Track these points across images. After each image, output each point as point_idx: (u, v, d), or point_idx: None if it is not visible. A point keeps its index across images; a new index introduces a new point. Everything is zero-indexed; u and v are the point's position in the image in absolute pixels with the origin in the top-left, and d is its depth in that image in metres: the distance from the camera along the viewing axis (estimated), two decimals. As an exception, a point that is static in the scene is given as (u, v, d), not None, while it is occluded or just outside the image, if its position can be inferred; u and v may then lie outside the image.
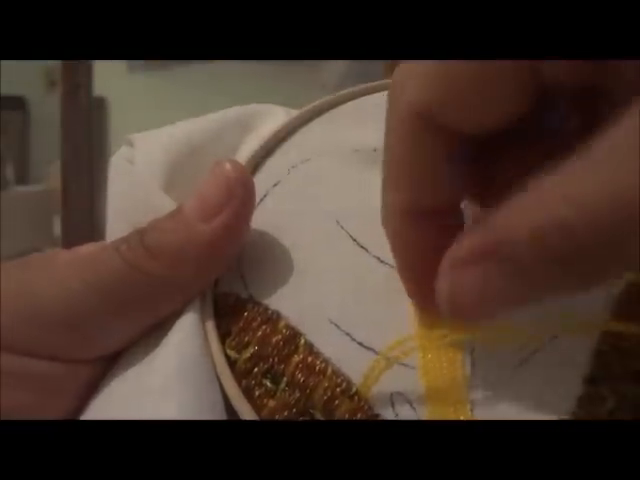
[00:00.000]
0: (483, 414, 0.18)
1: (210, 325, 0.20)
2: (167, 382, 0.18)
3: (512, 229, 0.13)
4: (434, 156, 0.16)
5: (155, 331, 0.20)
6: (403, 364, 0.18)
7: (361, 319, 0.19)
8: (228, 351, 0.19)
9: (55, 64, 1.25)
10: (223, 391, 0.19)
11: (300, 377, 0.19)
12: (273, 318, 0.19)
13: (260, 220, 0.21)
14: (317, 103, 0.24)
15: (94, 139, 0.98)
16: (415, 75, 0.16)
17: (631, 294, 0.18)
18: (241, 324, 0.20)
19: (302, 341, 0.19)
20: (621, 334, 0.18)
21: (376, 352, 0.19)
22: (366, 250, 0.20)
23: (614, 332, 0.18)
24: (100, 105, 1.57)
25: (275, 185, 0.22)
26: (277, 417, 0.18)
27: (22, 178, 1.80)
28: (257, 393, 0.19)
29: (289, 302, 0.20)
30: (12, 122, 1.80)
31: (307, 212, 0.21)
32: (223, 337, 0.20)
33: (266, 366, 0.19)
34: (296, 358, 0.19)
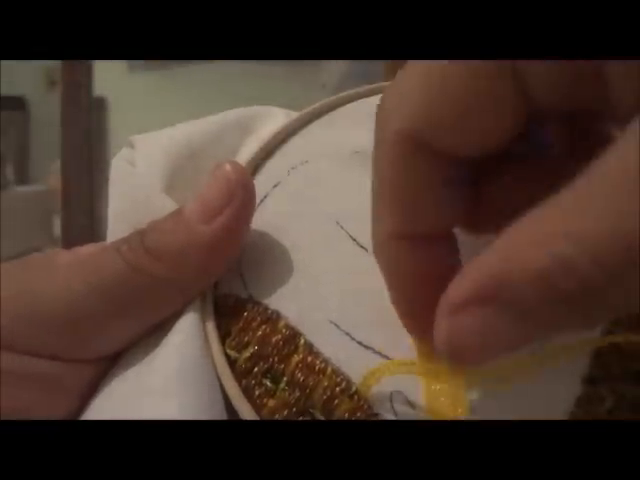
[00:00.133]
0: (482, 414, 0.18)
1: (210, 325, 0.20)
2: (168, 382, 0.18)
3: (513, 272, 0.13)
4: (424, 180, 0.16)
5: (156, 331, 0.20)
6: (403, 363, 0.18)
7: (361, 319, 0.19)
8: (228, 351, 0.19)
9: (55, 64, 1.25)
10: (223, 391, 0.19)
11: (300, 376, 0.19)
12: (273, 318, 0.20)
13: (260, 221, 0.21)
14: (317, 105, 0.24)
15: (94, 139, 0.98)
16: (403, 98, 0.15)
17: None
18: (241, 324, 0.20)
19: (302, 341, 0.19)
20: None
21: (375, 351, 0.19)
22: (366, 250, 0.20)
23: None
24: (100, 105, 1.57)
25: (275, 186, 0.22)
26: (277, 416, 0.18)
27: (22, 178, 1.81)
28: (257, 393, 0.19)
29: (289, 302, 0.20)
30: (12, 122, 1.80)
31: (307, 213, 0.21)
32: (223, 337, 0.20)
33: (266, 366, 0.19)
34: (296, 358, 0.19)
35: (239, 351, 0.19)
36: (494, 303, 0.13)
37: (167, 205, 0.21)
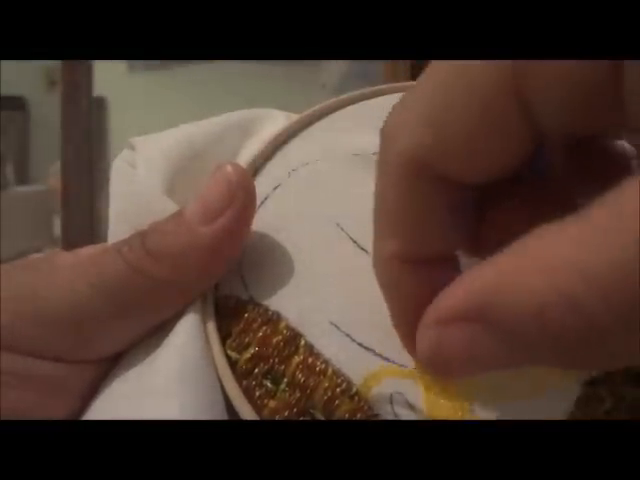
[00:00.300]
0: (482, 414, 0.18)
1: (211, 326, 0.20)
2: (168, 383, 0.18)
3: (512, 297, 0.12)
4: (428, 204, 0.16)
5: (157, 332, 0.20)
6: (403, 365, 0.18)
7: (361, 320, 0.19)
8: (229, 352, 0.19)
9: (55, 64, 1.25)
10: (224, 392, 0.19)
11: (300, 377, 0.19)
12: (273, 319, 0.20)
13: (261, 223, 0.21)
14: (317, 107, 0.24)
15: (94, 139, 0.98)
16: (409, 121, 0.15)
17: None
18: (242, 325, 0.20)
19: (302, 342, 0.19)
20: None
21: (376, 353, 0.19)
22: (366, 252, 0.20)
23: None
24: (100, 105, 1.57)
25: (276, 188, 0.22)
26: (277, 417, 0.18)
27: (22, 178, 1.81)
28: (258, 393, 0.19)
29: (289, 303, 0.20)
30: (12, 122, 1.80)
31: (307, 215, 0.21)
32: (224, 338, 0.20)
33: (266, 367, 0.19)
34: (296, 359, 0.19)
35: (240, 352, 0.19)
36: (485, 322, 0.13)
37: (168, 207, 0.21)
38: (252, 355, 0.19)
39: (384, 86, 0.25)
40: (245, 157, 0.23)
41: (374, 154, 0.22)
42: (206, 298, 0.20)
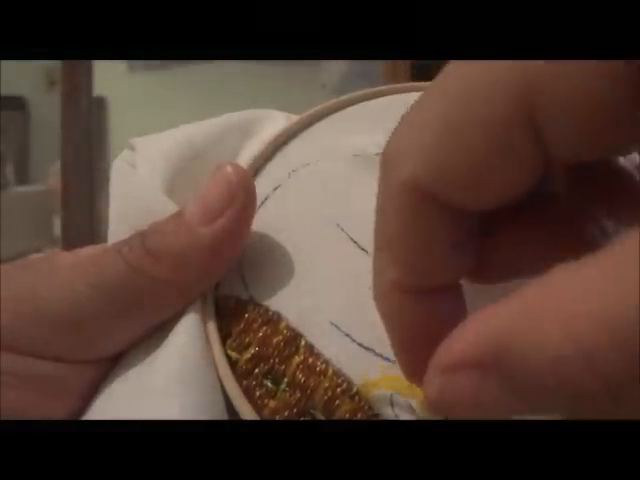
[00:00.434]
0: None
1: (211, 327, 0.20)
2: (169, 383, 0.18)
3: (525, 346, 0.11)
4: (431, 233, 0.15)
5: (157, 332, 0.20)
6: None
7: (361, 320, 0.19)
8: (229, 352, 0.19)
9: (55, 64, 1.25)
10: (224, 392, 0.19)
11: (301, 377, 0.19)
12: (274, 319, 0.20)
13: (261, 223, 0.21)
14: (317, 108, 0.24)
15: (94, 139, 0.98)
16: (413, 147, 0.14)
17: None
18: (242, 325, 0.20)
19: (303, 342, 0.19)
20: None
21: (376, 353, 0.19)
22: (366, 252, 0.20)
23: None
24: (100, 105, 1.57)
25: (276, 189, 0.22)
26: (278, 417, 0.18)
27: (22, 178, 1.81)
28: (258, 393, 0.19)
29: (290, 303, 0.20)
30: (12, 122, 1.80)
31: (308, 215, 0.21)
32: (224, 338, 0.20)
33: (267, 367, 0.19)
34: (297, 359, 0.19)
35: (240, 352, 0.19)
36: (497, 373, 0.12)
37: (168, 207, 0.21)
38: (252, 355, 0.19)
39: (384, 87, 0.25)
40: (245, 158, 0.23)
41: (374, 155, 0.22)
42: (206, 298, 0.20)
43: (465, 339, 0.13)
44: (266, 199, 0.22)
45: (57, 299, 0.19)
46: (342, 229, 0.21)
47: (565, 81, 0.12)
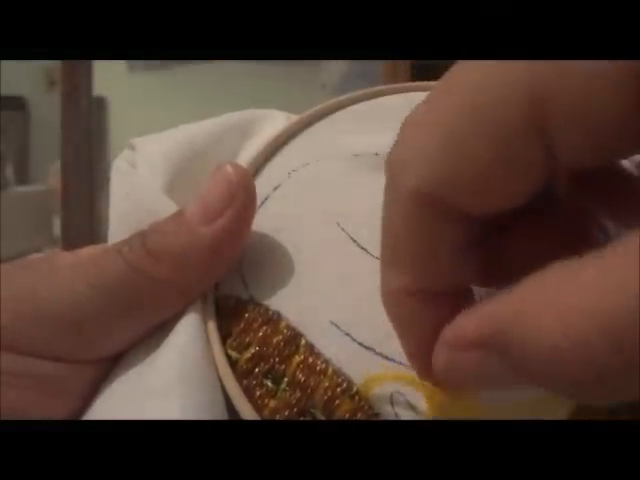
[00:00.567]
0: (482, 414, 0.18)
1: (211, 326, 0.20)
2: (169, 383, 0.18)
3: (525, 333, 0.12)
4: (438, 238, 0.15)
5: (157, 332, 0.20)
6: (403, 364, 0.18)
7: (361, 320, 0.19)
8: (229, 352, 0.19)
9: (55, 64, 1.25)
10: (224, 391, 0.19)
11: (301, 377, 0.19)
12: (274, 319, 0.20)
13: (261, 223, 0.21)
14: (317, 108, 0.24)
15: (94, 139, 0.98)
16: (420, 153, 0.14)
17: None
18: (242, 325, 0.20)
19: (303, 341, 0.19)
20: None
21: (376, 352, 0.19)
22: (366, 251, 0.20)
23: None
24: (100, 105, 1.57)
25: (276, 189, 0.22)
26: (278, 417, 0.18)
27: (22, 178, 1.81)
28: (258, 393, 0.19)
29: (290, 303, 0.20)
30: (12, 122, 1.80)
31: (308, 215, 0.21)
32: (224, 338, 0.20)
33: (267, 366, 0.19)
34: (297, 358, 0.19)
35: (240, 352, 0.19)
36: (499, 353, 0.13)
37: (168, 207, 0.21)
38: (252, 355, 0.19)
39: (384, 87, 0.25)
40: (245, 158, 0.23)
41: (376, 154, 0.22)
42: (207, 298, 0.20)
43: (471, 321, 0.13)
44: (266, 199, 0.22)
45: (57, 299, 0.19)
46: (342, 228, 0.21)
47: (574, 89, 0.12)
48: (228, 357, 0.19)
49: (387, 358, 0.19)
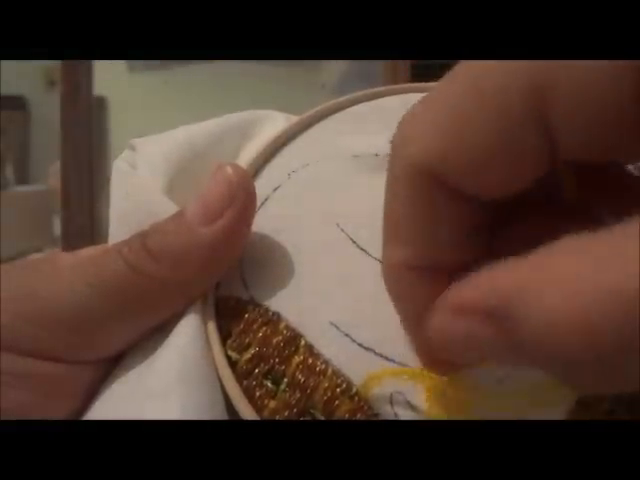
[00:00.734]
0: (483, 414, 0.18)
1: (211, 327, 0.20)
2: (169, 383, 0.18)
3: (527, 303, 0.12)
4: (438, 214, 0.15)
5: (157, 333, 0.20)
6: (403, 364, 0.18)
7: (361, 320, 0.19)
8: (229, 352, 0.19)
9: (55, 64, 1.25)
10: (224, 392, 0.19)
11: (300, 378, 0.19)
12: (274, 319, 0.20)
13: (261, 224, 0.21)
14: (317, 109, 0.24)
15: (94, 139, 0.98)
16: (424, 131, 0.15)
17: None
18: (242, 325, 0.20)
19: (302, 342, 0.19)
20: None
21: (376, 353, 0.19)
22: (366, 252, 0.20)
23: None
24: (100, 105, 1.57)
25: (276, 189, 0.22)
26: (278, 417, 0.18)
27: (22, 178, 1.80)
28: (258, 394, 0.19)
29: (289, 304, 0.20)
30: (12, 122, 1.80)
31: (307, 215, 0.21)
32: (224, 339, 0.20)
33: (267, 367, 0.19)
34: (297, 359, 0.19)
35: (240, 352, 0.19)
36: (495, 322, 0.13)
37: (168, 207, 0.21)
38: (252, 355, 0.19)
39: (383, 88, 0.25)
40: (245, 158, 0.23)
41: (375, 155, 0.22)
42: (207, 298, 0.20)
43: (473, 288, 0.13)
44: (266, 200, 0.22)
45: (57, 299, 0.19)
46: (342, 229, 0.21)
47: (574, 79, 0.13)
48: (228, 358, 0.19)
49: (387, 359, 0.19)
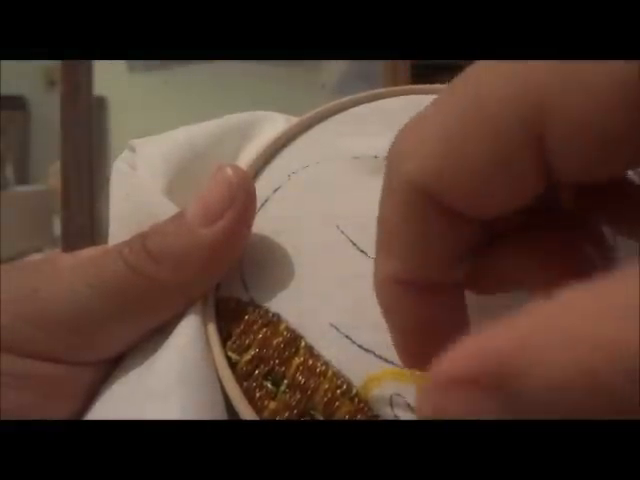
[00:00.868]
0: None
1: (212, 328, 0.20)
2: (169, 385, 0.18)
3: (529, 366, 0.11)
4: (431, 231, 0.15)
5: (157, 334, 0.20)
6: (403, 367, 0.18)
7: (361, 322, 0.19)
8: (229, 353, 0.19)
9: (55, 64, 1.25)
10: (224, 393, 0.19)
11: (301, 379, 0.19)
12: (274, 321, 0.20)
13: (261, 225, 0.21)
14: (317, 110, 0.24)
15: (94, 139, 0.98)
16: (420, 148, 0.15)
17: None
18: (242, 327, 0.20)
19: (302, 343, 0.19)
20: None
21: (376, 355, 0.19)
22: (365, 254, 0.20)
23: None
24: (100, 105, 1.57)
25: (276, 191, 0.22)
26: (278, 418, 0.18)
27: (22, 178, 1.80)
28: (258, 395, 0.19)
29: (290, 305, 0.20)
30: (12, 122, 1.80)
31: (307, 217, 0.21)
32: (224, 340, 0.20)
33: (267, 368, 0.19)
34: (297, 360, 0.19)
35: (240, 354, 0.19)
36: (497, 389, 0.12)
37: (168, 208, 0.21)
38: (252, 357, 0.19)
39: (384, 90, 0.25)
40: (245, 159, 0.23)
41: (375, 157, 0.22)
42: (207, 300, 0.20)
43: (468, 354, 0.12)
44: (266, 201, 0.22)
45: (57, 300, 0.19)
46: (342, 231, 0.21)
47: (576, 104, 0.12)
48: (228, 359, 0.19)
49: (387, 361, 0.18)
